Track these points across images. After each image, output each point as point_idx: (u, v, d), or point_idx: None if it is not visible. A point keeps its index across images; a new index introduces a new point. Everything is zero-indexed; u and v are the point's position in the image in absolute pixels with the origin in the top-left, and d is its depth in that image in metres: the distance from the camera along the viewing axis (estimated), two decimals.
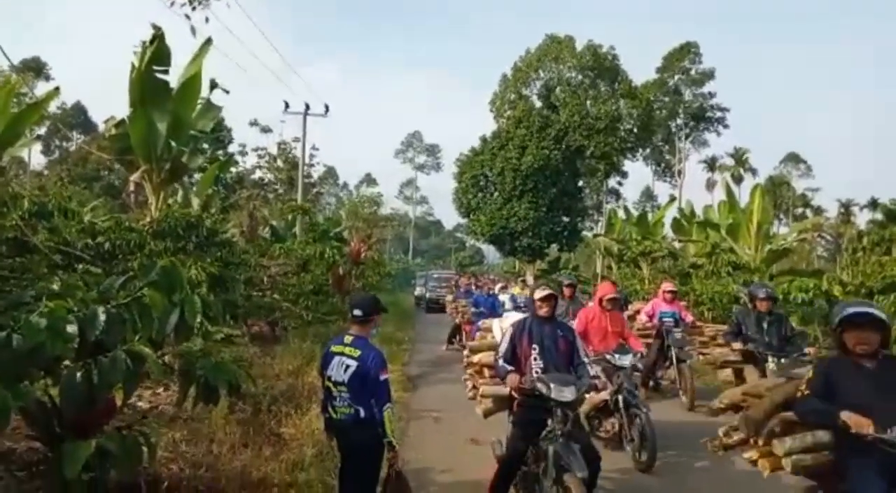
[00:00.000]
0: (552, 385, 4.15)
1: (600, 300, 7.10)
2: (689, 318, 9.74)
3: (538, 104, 36.91)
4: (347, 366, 3.95)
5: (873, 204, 33.23)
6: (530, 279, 28.50)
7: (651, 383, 9.32)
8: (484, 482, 5.55)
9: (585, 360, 4.73)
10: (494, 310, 11.80)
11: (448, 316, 17.71)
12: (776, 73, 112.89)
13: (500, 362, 4.60)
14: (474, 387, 6.50)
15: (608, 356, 6.49)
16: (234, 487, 5.00)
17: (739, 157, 51.83)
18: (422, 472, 5.53)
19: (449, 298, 18.07)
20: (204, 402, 3.65)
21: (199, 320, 3.20)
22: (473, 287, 19.41)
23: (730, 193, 20.66)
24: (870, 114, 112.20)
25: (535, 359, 4.54)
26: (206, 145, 24.80)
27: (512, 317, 6.77)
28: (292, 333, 12.64)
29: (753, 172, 51.39)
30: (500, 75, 39.45)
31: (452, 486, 5.50)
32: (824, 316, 12.23)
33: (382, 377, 3.90)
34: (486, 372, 6.15)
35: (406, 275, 38.96)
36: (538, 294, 4.64)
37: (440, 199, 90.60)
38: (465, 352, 6.69)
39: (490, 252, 65.50)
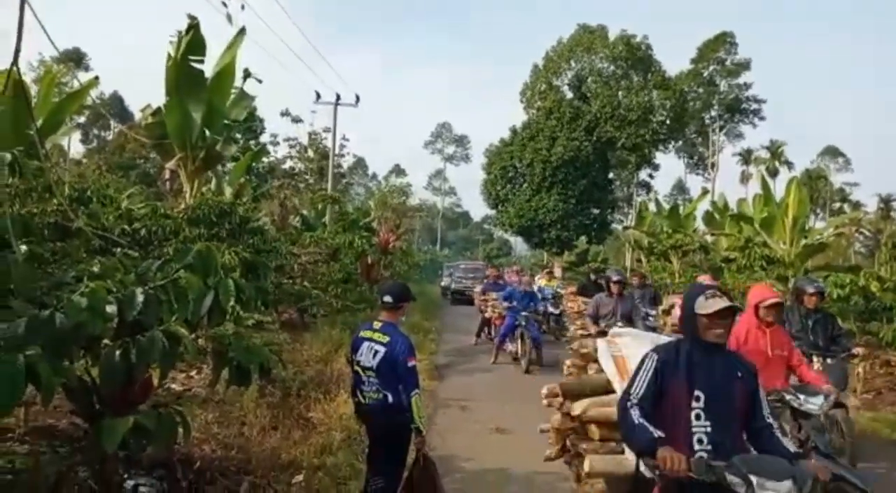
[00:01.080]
0: (756, 480, 2.38)
1: (756, 308, 4.85)
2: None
3: (569, 95, 36.54)
4: (376, 351, 4.00)
5: None
6: (558, 271, 28.34)
7: None
8: (508, 471, 5.62)
9: (771, 421, 2.84)
10: (533, 305, 11.40)
11: (476, 309, 17.10)
12: (815, 65, 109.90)
13: (637, 417, 2.70)
14: (568, 451, 4.45)
15: (788, 397, 4.63)
16: (265, 468, 5.11)
17: (775, 150, 50.64)
18: (447, 459, 5.57)
19: (477, 289, 17.00)
20: (236, 384, 3.74)
21: (231, 303, 3.26)
22: (501, 279, 18.55)
23: (765, 185, 20.17)
24: None
25: (696, 416, 2.73)
26: (238, 135, 25.18)
27: (636, 337, 4.54)
28: (321, 320, 12.81)
29: (789, 165, 50.20)
30: (532, 65, 39.17)
31: (478, 473, 5.53)
32: (860, 313, 11.95)
33: (410, 364, 3.94)
34: (596, 432, 3.98)
35: (434, 266, 39.04)
36: (708, 305, 2.77)
37: (469, 190, 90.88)
38: (546, 393, 4.35)
39: (518, 244, 65.32)
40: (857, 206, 50.45)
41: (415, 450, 4.00)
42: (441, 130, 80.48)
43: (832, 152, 60.25)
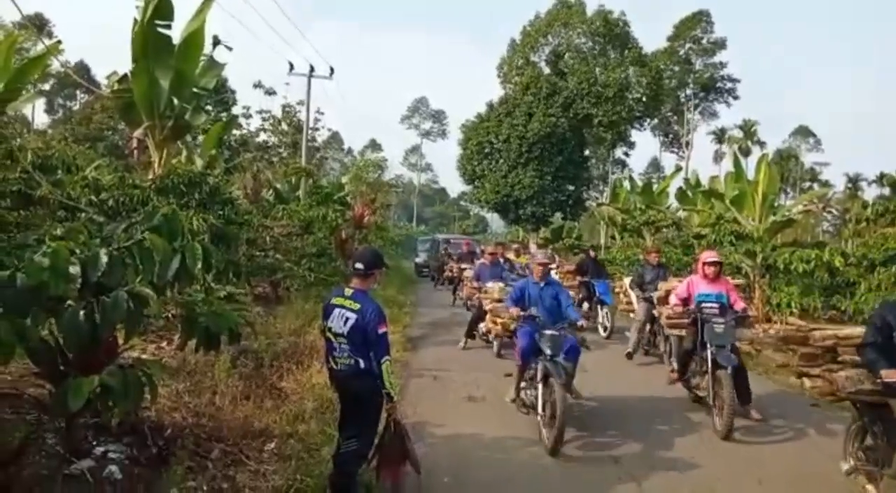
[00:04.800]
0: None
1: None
2: (741, 304, 6.76)
3: (546, 71, 36.41)
4: (347, 318, 4.01)
5: (881, 178, 32.96)
6: (534, 247, 28.52)
7: (690, 394, 6.95)
8: (478, 436, 5.73)
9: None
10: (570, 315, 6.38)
11: (456, 298, 15.47)
12: (789, 46, 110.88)
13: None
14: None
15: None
16: (236, 436, 5.12)
17: (748, 129, 51.25)
18: (419, 425, 5.65)
19: (468, 274, 13.23)
20: (205, 348, 3.73)
21: (199, 267, 3.22)
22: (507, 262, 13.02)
23: (737, 163, 20.42)
24: (884, 89, 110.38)
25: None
26: (209, 107, 24.62)
27: None
28: (295, 294, 12.76)
29: (762, 144, 50.90)
30: (509, 40, 38.89)
31: (449, 438, 5.61)
32: (825, 288, 12.28)
33: (381, 331, 3.95)
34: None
35: (410, 242, 38.92)
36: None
37: (445, 166, 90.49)
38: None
39: (494, 220, 65.49)
40: (825, 185, 51.51)
41: (386, 415, 4.04)
42: (418, 105, 79.86)
43: (804, 132, 61.18)
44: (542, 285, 6.56)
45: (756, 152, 47.80)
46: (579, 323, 6.25)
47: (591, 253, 14.12)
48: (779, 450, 5.70)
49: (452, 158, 38.39)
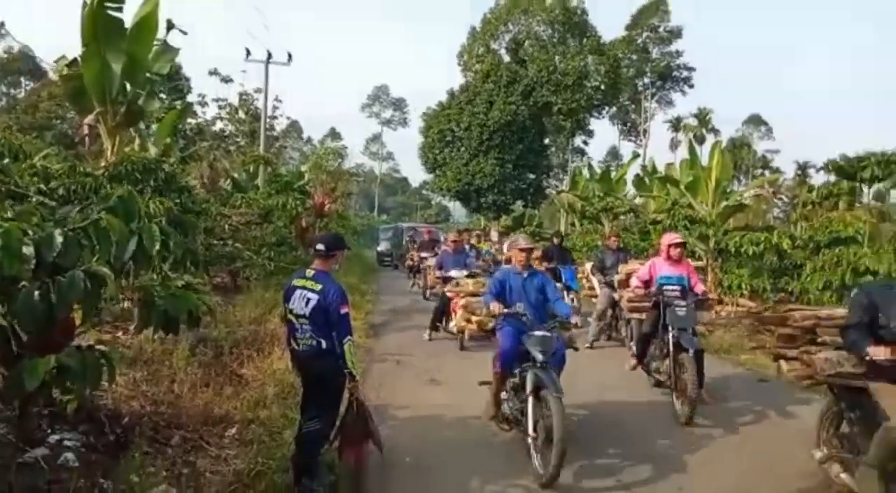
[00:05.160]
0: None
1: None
2: (700, 287, 6.81)
3: (506, 58, 36.56)
4: (308, 299, 4.03)
5: (828, 165, 34.14)
6: (495, 235, 28.73)
7: (650, 377, 6.83)
8: (441, 417, 5.82)
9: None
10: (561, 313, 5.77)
11: (415, 285, 15.94)
12: (743, 35, 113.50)
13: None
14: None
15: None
16: (196, 422, 5.09)
17: (703, 117, 52.43)
18: (382, 408, 5.71)
19: (430, 262, 13.23)
20: (164, 332, 3.69)
21: (157, 248, 3.20)
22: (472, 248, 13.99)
23: (692, 150, 20.94)
24: (836, 78, 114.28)
25: None
26: (163, 94, 23.92)
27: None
28: (254, 283, 12.63)
29: (716, 132, 52.07)
30: (469, 28, 38.89)
31: (412, 420, 5.70)
32: (774, 270, 12.76)
33: (343, 311, 3.99)
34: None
35: (371, 232, 38.74)
36: None
37: (407, 155, 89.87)
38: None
39: (456, 209, 65.61)
40: (776, 171, 53.15)
41: (348, 395, 4.08)
42: (378, 93, 79.16)
43: (756, 121, 62.86)
44: (525, 275, 5.47)
45: (710, 140, 48.99)
46: (572, 321, 5.28)
47: (557, 239, 14.02)
48: (744, 436, 5.59)
49: (414, 146, 38.32)
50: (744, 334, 10.34)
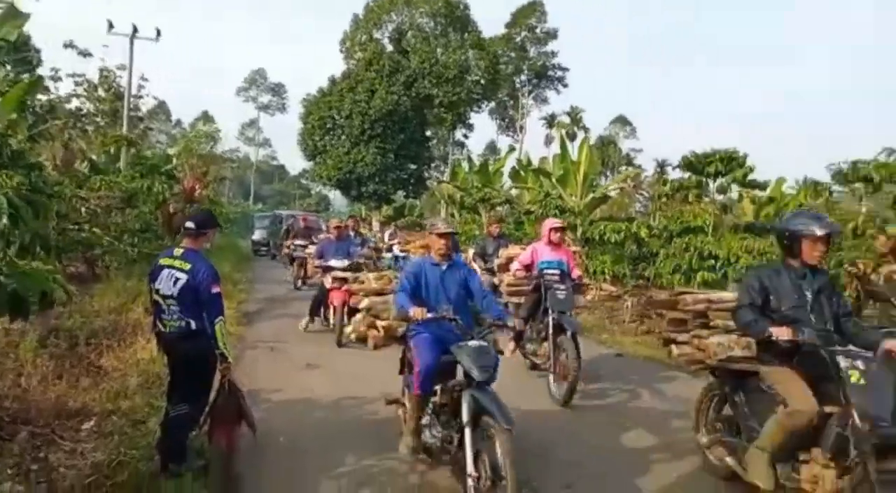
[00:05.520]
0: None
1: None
2: (577, 272, 7.03)
3: (389, 48, 36.44)
4: (177, 279, 3.87)
5: (681, 163, 37.19)
6: (376, 225, 28.65)
7: (527, 360, 6.94)
8: (315, 399, 5.78)
9: None
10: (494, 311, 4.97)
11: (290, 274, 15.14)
12: (612, 40, 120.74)
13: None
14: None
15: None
16: (47, 417, 4.73)
17: (574, 115, 55.27)
18: (255, 392, 5.57)
19: (310, 250, 12.33)
20: (11, 316, 3.39)
21: (4, 222, 2.94)
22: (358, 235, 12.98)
23: (563, 145, 22.07)
24: (696, 83, 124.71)
25: None
26: (8, 66, 21.46)
27: None
28: (115, 272, 11.77)
29: (586, 130, 55.03)
30: (352, 15, 38.29)
31: (286, 403, 5.62)
32: (634, 258, 13.84)
33: (214, 290, 3.87)
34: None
35: (246, 220, 37.18)
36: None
37: (285, 142, 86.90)
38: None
39: (336, 199, 64.60)
40: (638, 168, 57.25)
41: (220, 377, 3.96)
42: (255, 76, 75.88)
43: (622, 121, 67.30)
44: (444, 267, 4.41)
45: (582, 136, 51.78)
46: (510, 323, 4.42)
47: None
48: (621, 416, 5.65)
49: (293, 133, 37.27)
50: (604, 316, 11.20)
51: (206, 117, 66.77)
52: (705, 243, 10.98)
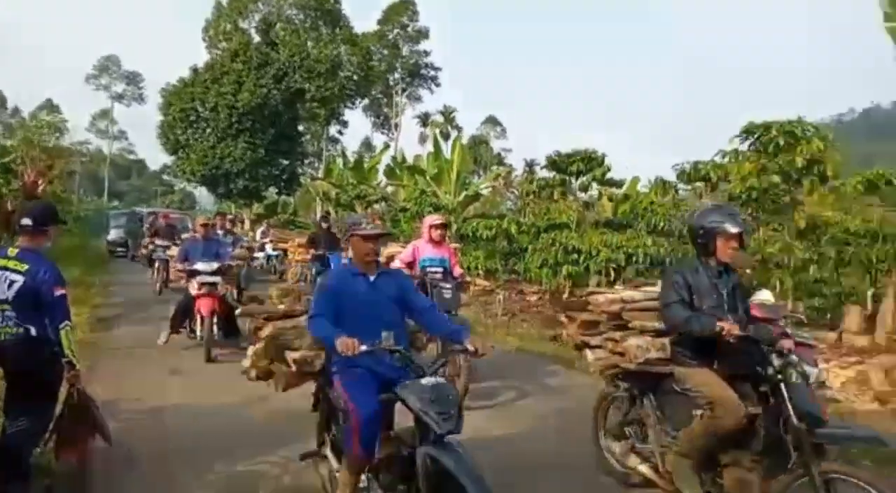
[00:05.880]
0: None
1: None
2: (458, 270, 6.87)
3: (257, 39, 35.00)
4: (12, 282, 3.49)
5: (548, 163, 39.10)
6: (247, 223, 27.53)
7: None
8: (182, 406, 5.48)
9: None
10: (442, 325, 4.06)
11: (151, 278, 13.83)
12: (484, 42, 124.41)
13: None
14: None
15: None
16: None
17: (447, 114, 56.34)
18: (113, 403, 5.17)
19: (173, 253, 11.20)
20: None
21: None
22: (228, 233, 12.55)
23: (437, 144, 22.56)
24: (563, 86, 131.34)
25: None
26: None
27: None
28: None
29: (459, 129, 56.37)
30: (214, 1, 36.30)
31: (147, 411, 5.29)
32: (505, 254, 14.39)
33: (58, 293, 3.54)
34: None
35: (100, 218, 34.16)
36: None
37: (144, 135, 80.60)
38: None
39: (203, 197, 61.26)
40: (508, 167, 59.52)
41: (67, 386, 3.63)
42: (107, 63, 69.87)
43: (493, 121, 69.51)
44: (372, 278, 3.45)
45: (454, 136, 52.93)
46: (469, 347, 3.25)
47: (325, 224, 12.97)
48: (517, 415, 5.60)
49: (152, 125, 34.59)
50: (479, 311, 11.56)
51: (50, 106, 60.56)
52: (569, 239, 11.62)
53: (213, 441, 4.70)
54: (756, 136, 9.27)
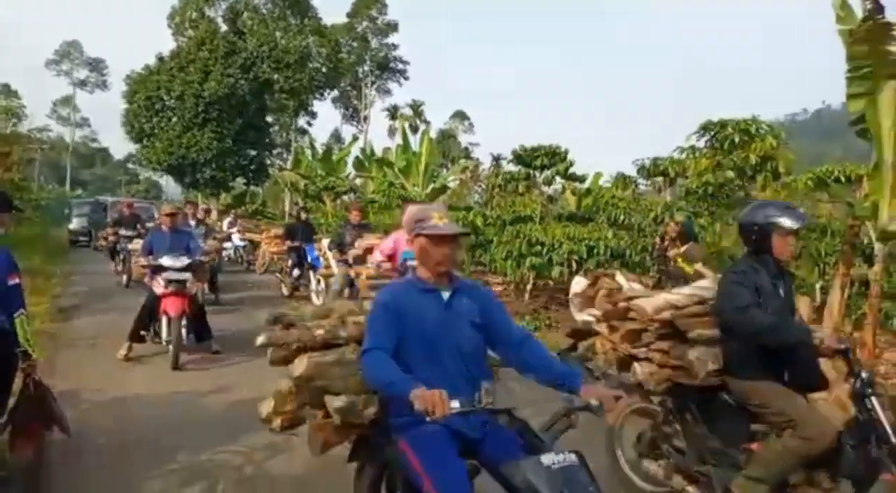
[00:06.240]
0: None
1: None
2: None
3: (224, 27, 34.45)
4: None
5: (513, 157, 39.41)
6: (215, 214, 27.14)
7: None
8: (142, 396, 5.50)
9: None
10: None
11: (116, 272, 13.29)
12: (452, 37, 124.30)
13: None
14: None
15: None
16: None
17: (416, 108, 56.27)
18: (72, 393, 5.18)
19: (135, 246, 10.41)
20: None
21: None
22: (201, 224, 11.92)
23: (405, 137, 22.62)
24: (526, 85, 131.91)
25: None
26: None
27: None
28: None
29: (427, 123, 56.34)
30: None
31: (108, 402, 5.28)
32: (472, 246, 14.53)
33: (12, 282, 3.53)
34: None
35: (62, 207, 33.33)
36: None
37: (107, 123, 78.75)
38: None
39: (169, 186, 60.22)
40: (475, 160, 59.72)
41: (23, 377, 3.64)
42: (69, 49, 67.91)
43: (460, 116, 69.59)
44: (446, 297, 2.55)
45: (423, 129, 52.91)
46: (594, 402, 2.27)
47: (303, 215, 12.64)
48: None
49: (116, 113, 33.75)
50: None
51: (7, 92, 58.74)
52: (533, 231, 11.82)
53: (175, 431, 4.73)
54: (712, 133, 9.59)
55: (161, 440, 4.56)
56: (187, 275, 6.78)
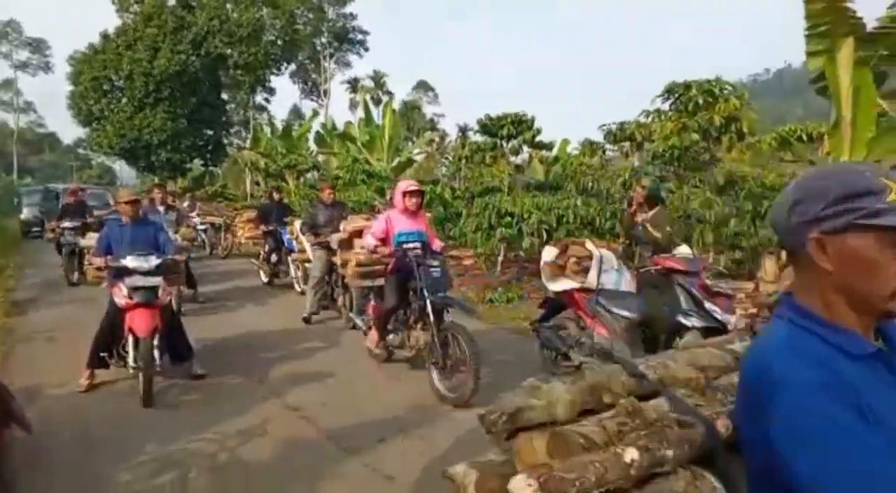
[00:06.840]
0: None
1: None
2: (438, 243, 5.87)
3: (171, 2, 33.09)
4: None
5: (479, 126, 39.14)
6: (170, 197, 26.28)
7: (377, 350, 5.90)
8: (108, 389, 5.31)
9: None
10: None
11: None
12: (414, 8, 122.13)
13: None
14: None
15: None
16: None
17: (378, 79, 55.33)
18: (32, 389, 4.96)
19: (88, 242, 8.63)
20: None
21: None
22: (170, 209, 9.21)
23: (367, 110, 22.15)
24: (492, 51, 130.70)
25: None
26: None
27: None
28: None
29: (390, 94, 55.48)
30: None
31: (71, 396, 5.07)
32: (441, 220, 14.39)
33: None
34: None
35: (9, 196, 31.95)
36: None
37: (53, 107, 75.40)
38: None
39: (123, 171, 58.36)
40: (441, 131, 59.23)
41: None
42: (7, 29, 64.58)
43: (424, 86, 68.66)
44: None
45: (385, 101, 52.11)
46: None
47: (277, 196, 11.56)
48: None
49: (62, 96, 32.31)
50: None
51: None
52: (502, 202, 11.74)
53: (141, 423, 4.57)
54: (677, 95, 9.56)
55: (127, 432, 4.40)
56: (157, 280, 5.19)
